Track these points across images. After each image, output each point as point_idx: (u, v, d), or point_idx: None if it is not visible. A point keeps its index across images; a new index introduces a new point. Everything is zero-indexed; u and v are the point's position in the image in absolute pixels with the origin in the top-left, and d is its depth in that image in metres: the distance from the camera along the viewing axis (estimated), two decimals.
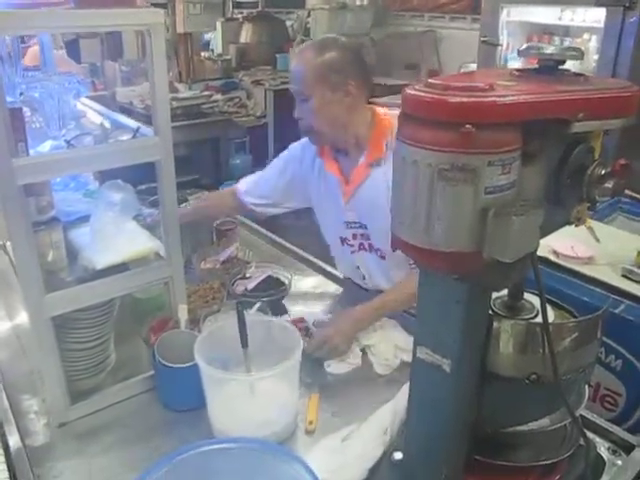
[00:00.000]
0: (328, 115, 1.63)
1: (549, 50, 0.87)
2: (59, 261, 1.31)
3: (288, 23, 6.89)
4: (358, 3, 6.15)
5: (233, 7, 7.47)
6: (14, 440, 1.20)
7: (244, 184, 2.00)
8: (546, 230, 0.85)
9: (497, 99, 0.72)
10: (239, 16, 7.24)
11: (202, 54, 6.58)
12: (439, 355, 0.88)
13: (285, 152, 1.93)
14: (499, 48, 3.70)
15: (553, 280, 1.86)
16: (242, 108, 4.89)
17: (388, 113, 1.69)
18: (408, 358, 1.44)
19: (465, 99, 0.72)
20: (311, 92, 1.61)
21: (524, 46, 0.92)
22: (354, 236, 1.79)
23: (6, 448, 1.17)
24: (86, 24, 1.15)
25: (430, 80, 0.77)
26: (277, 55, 6.09)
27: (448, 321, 0.85)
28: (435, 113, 0.73)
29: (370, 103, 1.73)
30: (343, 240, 1.83)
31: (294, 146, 1.90)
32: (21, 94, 1.40)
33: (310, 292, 1.81)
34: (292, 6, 6.98)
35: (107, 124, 1.45)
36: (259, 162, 5.33)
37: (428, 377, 0.92)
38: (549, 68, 0.88)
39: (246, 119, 4.82)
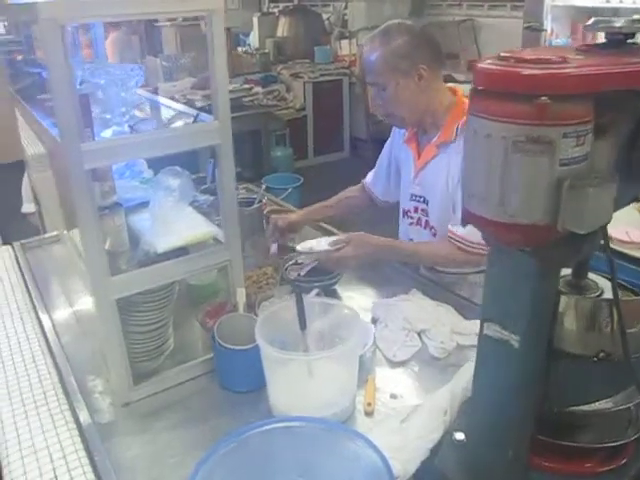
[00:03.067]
0: (405, 101, 1.70)
1: (618, 23, 0.86)
2: (122, 245, 1.34)
3: (324, 16, 6.89)
4: None
5: (269, 1, 7.53)
6: (84, 416, 1.24)
7: (370, 175, 2.10)
8: (617, 204, 0.84)
9: (572, 71, 0.72)
10: (275, 10, 7.29)
11: (238, 49, 6.65)
12: (508, 331, 0.88)
13: None
14: (543, 34, 3.64)
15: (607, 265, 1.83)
16: (281, 101, 4.93)
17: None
18: (463, 341, 1.46)
19: (539, 71, 0.72)
20: (385, 81, 1.68)
21: (591, 20, 0.91)
22: (415, 209, 1.87)
23: (77, 424, 1.22)
24: (146, 11, 1.17)
25: (501, 54, 0.77)
26: (315, 48, 6.10)
27: (518, 296, 0.85)
28: (510, 86, 0.73)
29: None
30: (405, 212, 1.91)
31: None
32: (81, 83, 1.44)
33: (361, 277, 1.81)
34: None
35: (168, 111, 1.47)
36: (299, 154, 5.37)
37: (495, 354, 0.91)
38: (617, 42, 0.86)
39: (286, 112, 4.86)
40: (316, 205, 2.11)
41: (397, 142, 1.96)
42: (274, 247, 1.88)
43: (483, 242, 1.59)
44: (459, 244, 1.66)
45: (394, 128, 1.96)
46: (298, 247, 1.73)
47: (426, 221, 1.83)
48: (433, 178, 1.76)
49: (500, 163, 0.74)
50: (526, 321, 0.86)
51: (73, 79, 1.02)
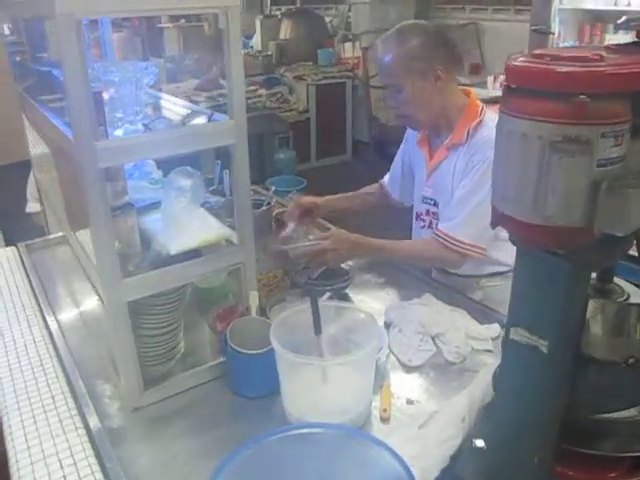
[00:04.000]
0: (423, 102, 1.68)
1: None
2: (133, 246, 1.31)
3: (327, 19, 6.89)
4: None
5: (271, 4, 7.54)
6: (94, 421, 1.21)
7: (386, 175, 2.09)
8: None
9: (611, 68, 0.70)
10: (277, 13, 7.29)
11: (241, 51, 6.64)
12: (536, 336, 0.85)
13: None
14: (550, 37, 3.62)
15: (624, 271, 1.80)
16: (284, 103, 4.92)
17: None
18: (478, 346, 1.44)
19: (578, 69, 0.70)
20: (402, 83, 1.66)
21: (622, 18, 0.89)
22: (427, 212, 1.85)
23: (87, 429, 1.19)
24: (163, 6, 1.14)
25: (535, 52, 0.75)
26: (318, 50, 6.09)
27: (547, 301, 0.82)
28: (547, 84, 0.71)
29: None
30: (418, 215, 1.90)
31: None
32: (91, 82, 1.41)
33: (372, 281, 1.79)
34: (331, 1, 6.99)
35: (183, 109, 1.45)
36: (302, 157, 5.35)
37: (522, 359, 0.89)
38: None
39: (289, 114, 4.85)
40: (335, 195, 2.10)
41: (411, 144, 1.94)
42: (291, 225, 1.85)
43: (470, 242, 1.60)
44: (443, 241, 1.65)
45: (408, 130, 1.93)
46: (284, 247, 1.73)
47: (437, 224, 1.81)
48: (442, 180, 1.75)
49: (536, 163, 0.71)
50: (556, 326, 0.84)
51: (88, 75, 1.00)
